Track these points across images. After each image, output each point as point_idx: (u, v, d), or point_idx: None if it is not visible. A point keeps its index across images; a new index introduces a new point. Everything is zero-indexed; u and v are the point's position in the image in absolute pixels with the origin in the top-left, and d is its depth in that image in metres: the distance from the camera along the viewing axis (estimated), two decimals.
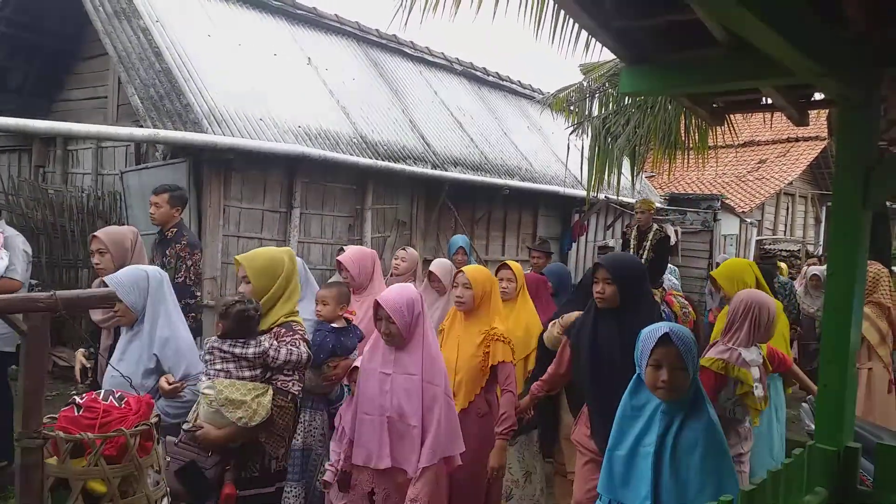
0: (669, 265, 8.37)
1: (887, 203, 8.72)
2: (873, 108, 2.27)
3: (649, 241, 6.93)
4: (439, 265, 4.66)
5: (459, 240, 6.48)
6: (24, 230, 7.18)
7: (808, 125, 3.15)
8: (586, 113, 7.61)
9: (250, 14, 8.21)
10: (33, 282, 4.61)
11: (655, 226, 7.02)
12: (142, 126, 6.08)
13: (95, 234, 3.50)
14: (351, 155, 7.39)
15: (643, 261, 6.62)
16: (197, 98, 6.54)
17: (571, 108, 7.70)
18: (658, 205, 12.73)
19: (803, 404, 3.52)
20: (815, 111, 3.23)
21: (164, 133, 5.94)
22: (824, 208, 19.30)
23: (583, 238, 11.13)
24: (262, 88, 7.28)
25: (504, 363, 3.30)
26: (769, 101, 3.17)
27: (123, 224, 6.87)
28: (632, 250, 6.96)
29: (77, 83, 7.97)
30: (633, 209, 7.08)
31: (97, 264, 3.43)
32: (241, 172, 6.68)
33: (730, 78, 2.43)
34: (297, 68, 8.07)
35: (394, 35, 10.19)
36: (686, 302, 7.00)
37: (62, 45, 7.88)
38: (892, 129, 3.38)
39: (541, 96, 9.73)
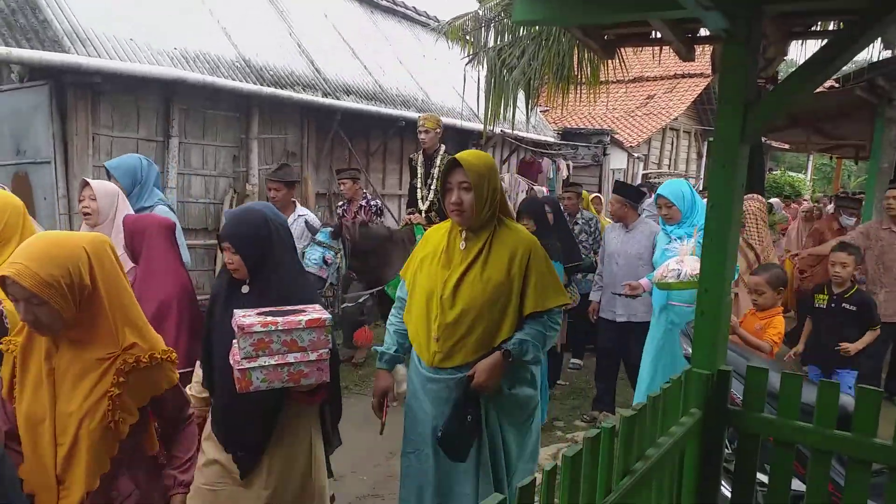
0: None
1: (762, 138, 9.28)
2: (754, 44, 2.30)
3: (437, 168, 5.63)
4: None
5: None
6: None
7: (693, 60, 3.19)
8: (482, 43, 7.49)
9: None
10: None
11: (443, 148, 5.78)
12: None
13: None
14: (233, 80, 6.93)
15: (431, 191, 5.69)
16: (56, 13, 5.88)
17: (467, 37, 7.55)
18: (551, 139, 12.94)
19: (683, 330, 3.72)
20: (701, 48, 3.28)
21: (18, 52, 5.31)
22: (706, 143, 20.32)
23: None
24: (134, 5, 6.64)
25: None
26: (658, 35, 3.19)
27: None
28: (419, 179, 5.78)
29: None
30: (418, 129, 5.74)
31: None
32: (111, 97, 6.13)
33: (620, 9, 2.39)
34: None
35: None
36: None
37: None
38: (769, 66, 3.49)
39: (436, 24, 9.48)
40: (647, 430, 1.88)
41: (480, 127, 8.91)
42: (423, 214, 5.75)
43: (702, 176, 20.19)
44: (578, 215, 6.57)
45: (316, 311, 2.32)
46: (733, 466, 2.40)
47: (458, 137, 10.44)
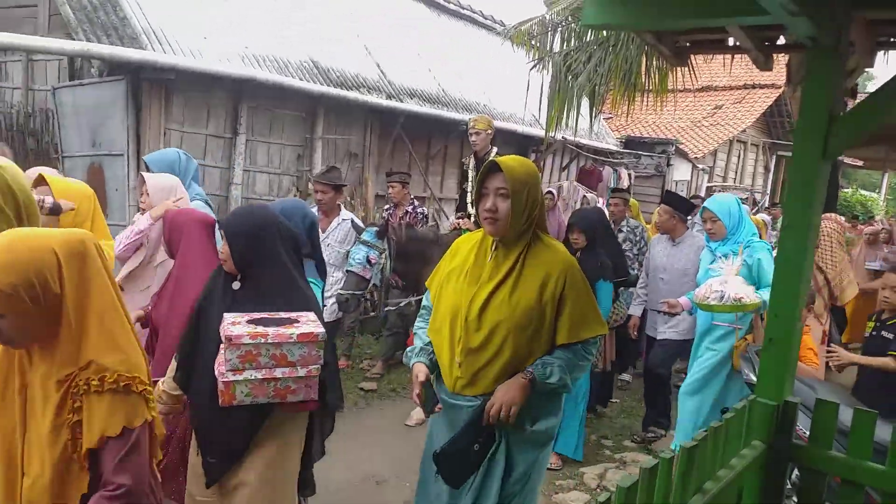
0: None
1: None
2: (842, 54, 2.17)
3: None
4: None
5: None
6: None
7: (771, 70, 3.05)
8: (547, 48, 7.40)
9: None
10: None
11: (495, 150, 5.57)
12: (74, 39, 5.64)
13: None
14: (301, 80, 7.04)
15: None
16: (135, 10, 6.08)
17: (533, 42, 7.48)
18: (613, 147, 12.70)
19: (744, 354, 3.55)
20: (776, 57, 3.13)
21: (97, 48, 5.52)
22: (774, 157, 19.62)
23: None
24: (208, 5, 6.82)
25: None
26: (735, 42, 3.05)
27: (55, 144, 6.47)
28: (470, 183, 5.67)
29: None
30: (469, 131, 5.58)
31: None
32: (183, 94, 6.30)
33: (698, 14, 2.29)
34: None
35: None
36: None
37: None
38: (849, 78, 3.31)
39: (502, 28, 9.43)
40: (706, 461, 1.78)
41: (542, 133, 8.80)
42: (473, 220, 5.60)
43: (768, 191, 19.50)
44: (623, 223, 6.35)
45: (310, 323, 2.18)
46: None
47: (519, 143, 10.35)
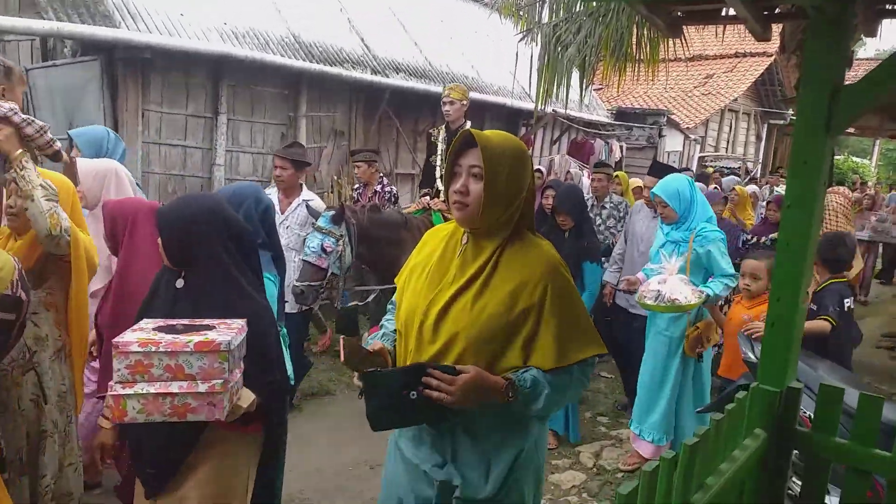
0: None
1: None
2: (846, 24, 2.04)
3: None
4: None
5: None
6: None
7: (770, 40, 2.93)
8: (536, 19, 7.22)
9: None
10: None
11: (469, 123, 5.20)
12: (44, 18, 5.43)
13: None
14: (282, 56, 6.84)
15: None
16: None
17: (521, 13, 7.30)
18: (604, 119, 12.55)
19: (742, 333, 3.47)
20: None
21: (69, 27, 5.32)
22: (766, 126, 19.51)
23: (528, 152, 10.89)
24: None
25: None
26: (731, 12, 2.92)
27: None
28: (439, 157, 5.30)
29: None
30: (442, 99, 5.20)
31: None
32: (161, 73, 6.11)
33: None
34: None
35: None
36: None
37: None
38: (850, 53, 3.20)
39: (490, 0, 9.21)
40: (708, 457, 1.70)
41: (531, 106, 8.65)
42: (443, 196, 5.25)
43: (760, 159, 19.43)
44: (607, 199, 6.13)
45: (224, 331, 1.92)
46: (798, 491, 2.19)
47: (509, 117, 10.19)
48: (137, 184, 3.79)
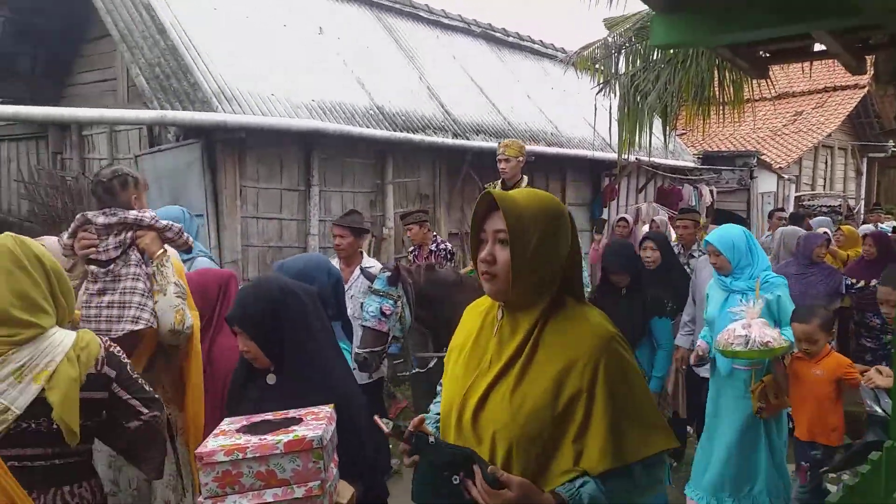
0: None
1: None
2: None
3: None
4: None
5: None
6: (47, 219, 7.13)
7: (865, 73, 2.81)
8: (612, 71, 7.23)
9: None
10: None
11: (526, 179, 5.04)
12: (150, 108, 5.89)
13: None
14: (368, 128, 7.12)
15: None
16: (205, 76, 6.32)
17: (597, 66, 7.33)
18: (690, 164, 12.27)
19: (864, 387, 3.20)
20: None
21: (171, 114, 5.74)
22: (865, 160, 18.54)
23: (614, 203, 10.75)
24: (273, 62, 7.03)
25: None
26: (821, 48, 2.83)
27: None
28: None
29: (86, 66, 7.78)
30: (497, 157, 5.04)
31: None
32: (255, 151, 6.47)
33: (782, 22, 2.10)
34: (308, 39, 7.78)
35: None
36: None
37: (69, 27, 7.67)
38: None
39: (564, 55, 9.32)
40: None
41: (613, 156, 8.58)
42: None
43: (862, 195, 18.38)
44: (695, 247, 5.62)
45: (313, 423, 1.72)
46: None
47: (591, 168, 10.14)
48: (209, 256, 3.99)
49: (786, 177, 14.13)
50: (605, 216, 10.14)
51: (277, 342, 1.98)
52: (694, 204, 11.29)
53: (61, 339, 1.85)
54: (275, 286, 2.07)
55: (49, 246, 2.85)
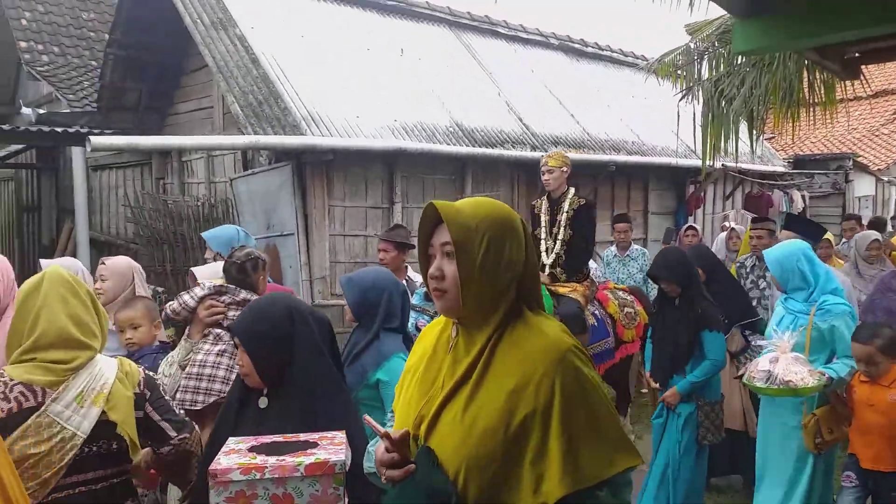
0: (611, 247, 6.86)
1: None
2: None
3: (564, 214, 4.84)
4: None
5: None
6: (150, 240, 7.64)
7: None
8: (695, 76, 7.11)
9: (342, 10, 8.28)
10: (160, 289, 4.79)
11: (572, 191, 4.95)
12: (244, 133, 6.24)
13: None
14: (448, 144, 7.27)
15: (558, 242, 4.86)
16: (294, 101, 6.63)
17: (679, 72, 7.22)
18: (780, 169, 11.82)
19: None
20: None
21: (263, 139, 6.06)
22: None
23: (699, 210, 10.49)
24: (357, 85, 7.30)
25: None
26: None
27: None
28: (543, 229, 4.95)
29: (185, 96, 8.31)
30: (540, 168, 4.95)
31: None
32: (342, 171, 6.73)
33: (871, 22, 2.07)
34: (390, 61, 8.03)
35: (486, 15, 9.96)
36: (631, 298, 5.43)
37: (169, 61, 8.24)
38: None
39: (644, 63, 9.21)
40: None
41: (698, 163, 8.39)
42: (548, 271, 4.88)
43: None
44: None
45: (331, 448, 1.61)
46: None
47: (674, 176, 9.95)
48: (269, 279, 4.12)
49: (885, 179, 13.37)
50: (691, 223, 9.88)
51: (275, 364, 1.92)
52: (785, 210, 10.87)
53: (107, 362, 2.05)
54: (285, 308, 1.99)
55: (70, 267, 3.15)
